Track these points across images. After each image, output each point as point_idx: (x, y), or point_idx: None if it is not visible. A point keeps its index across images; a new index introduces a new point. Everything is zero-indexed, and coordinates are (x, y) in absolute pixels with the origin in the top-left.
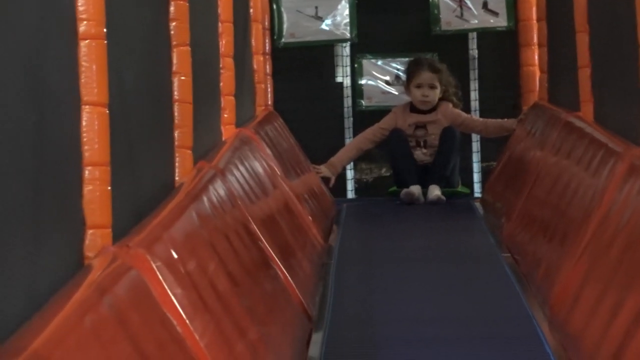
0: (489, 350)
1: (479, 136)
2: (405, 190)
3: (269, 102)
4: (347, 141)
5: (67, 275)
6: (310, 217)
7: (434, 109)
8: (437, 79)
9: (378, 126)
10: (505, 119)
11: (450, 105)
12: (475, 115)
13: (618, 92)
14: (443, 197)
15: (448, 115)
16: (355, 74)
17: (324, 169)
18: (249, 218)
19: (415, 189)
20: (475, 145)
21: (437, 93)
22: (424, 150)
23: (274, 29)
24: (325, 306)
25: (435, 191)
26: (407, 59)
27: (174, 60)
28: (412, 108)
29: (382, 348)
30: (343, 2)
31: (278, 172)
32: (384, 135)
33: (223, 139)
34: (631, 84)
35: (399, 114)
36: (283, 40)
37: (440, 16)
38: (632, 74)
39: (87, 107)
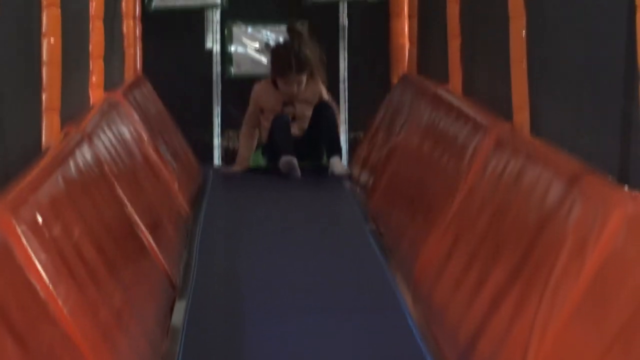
0: (352, 320)
1: (347, 105)
2: (284, 158)
3: (138, 67)
4: (215, 108)
5: None
6: (176, 184)
7: None
8: (304, 74)
9: (249, 113)
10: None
11: (319, 81)
12: (343, 85)
13: (487, 64)
14: (348, 170)
15: (316, 92)
16: (225, 40)
17: (238, 168)
18: (116, 184)
19: (293, 159)
20: (343, 115)
21: (303, 81)
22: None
23: None
24: (190, 274)
25: (337, 166)
26: (277, 27)
27: (44, 22)
28: (276, 85)
29: (246, 317)
30: None
31: (145, 138)
32: (258, 116)
33: (91, 102)
34: (501, 56)
35: (262, 94)
36: (154, 4)
37: None
38: (501, 45)
39: None
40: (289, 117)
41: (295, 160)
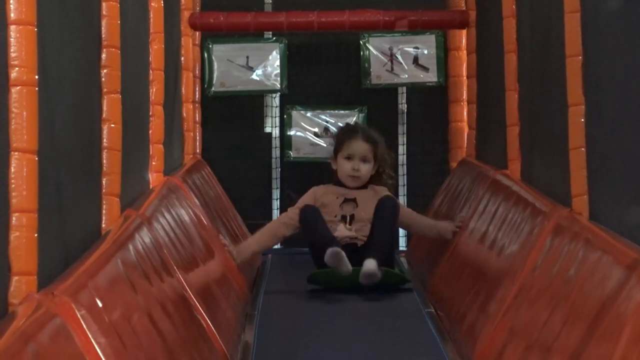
0: None
1: (405, 189)
2: (329, 250)
3: (198, 151)
4: (274, 191)
5: None
6: (235, 266)
7: (363, 187)
8: (372, 152)
9: (293, 207)
10: (441, 223)
11: (385, 190)
12: (401, 169)
13: (546, 151)
14: (378, 273)
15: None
16: (284, 124)
17: (233, 251)
18: (175, 267)
19: (341, 251)
20: (402, 199)
21: (369, 169)
22: (349, 226)
23: (205, 78)
24: (249, 356)
25: (370, 265)
26: (336, 111)
27: (104, 108)
28: (338, 183)
29: None
30: (274, 53)
31: (204, 221)
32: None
33: (151, 186)
34: (559, 143)
35: (323, 189)
36: (213, 89)
37: (371, 70)
38: (560, 133)
39: (16, 153)
40: (317, 208)
41: (342, 252)
